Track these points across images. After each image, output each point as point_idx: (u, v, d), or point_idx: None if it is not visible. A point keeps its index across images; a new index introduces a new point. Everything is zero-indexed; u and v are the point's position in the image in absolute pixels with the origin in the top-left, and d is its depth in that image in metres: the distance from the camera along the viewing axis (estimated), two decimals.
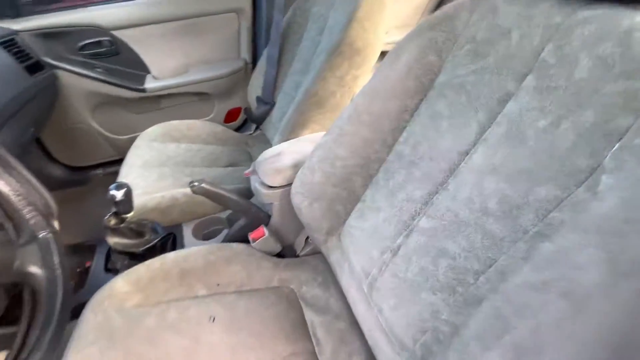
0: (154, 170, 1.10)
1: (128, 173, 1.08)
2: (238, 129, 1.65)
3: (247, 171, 0.89)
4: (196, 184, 0.72)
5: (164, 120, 1.31)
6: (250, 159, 1.33)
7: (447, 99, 0.57)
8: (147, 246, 0.84)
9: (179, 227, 0.97)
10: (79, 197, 1.47)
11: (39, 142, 1.36)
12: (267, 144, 1.35)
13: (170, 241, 0.91)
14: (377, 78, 0.66)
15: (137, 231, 0.84)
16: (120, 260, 0.84)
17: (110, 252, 0.84)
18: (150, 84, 1.37)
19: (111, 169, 1.53)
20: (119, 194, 0.76)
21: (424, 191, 0.57)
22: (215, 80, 1.47)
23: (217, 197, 0.75)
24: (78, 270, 0.92)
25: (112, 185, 0.77)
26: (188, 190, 0.98)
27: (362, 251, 0.65)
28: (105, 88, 1.31)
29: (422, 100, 0.62)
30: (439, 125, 0.57)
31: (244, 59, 1.50)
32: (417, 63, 0.62)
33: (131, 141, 1.24)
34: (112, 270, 0.85)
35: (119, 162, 1.57)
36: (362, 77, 0.94)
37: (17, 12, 1.12)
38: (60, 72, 1.24)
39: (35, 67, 1.14)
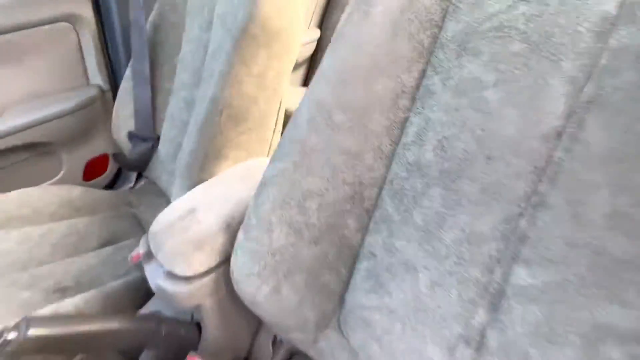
0: None
1: None
2: (110, 186, 1.17)
3: (134, 253, 0.51)
4: (11, 337, 0.32)
5: None
6: (140, 225, 0.90)
7: (483, 54, 0.34)
8: None
9: None
10: None
11: None
12: (162, 198, 0.94)
13: None
14: (340, 53, 0.40)
15: None
16: None
17: None
18: None
19: None
20: None
21: (497, 217, 0.32)
22: (56, 121, 0.98)
23: (72, 339, 0.36)
24: None
25: None
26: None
27: (399, 350, 0.36)
28: None
29: (424, 70, 0.38)
30: (481, 100, 0.34)
31: (96, 85, 1.04)
32: (405, 13, 0.38)
33: None
34: None
35: None
36: (286, 74, 0.66)
37: None
38: None
39: None
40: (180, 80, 0.84)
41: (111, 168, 1.17)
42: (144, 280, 0.65)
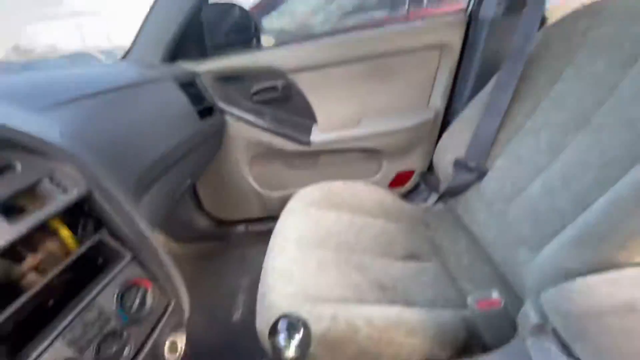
0: (312, 253, 0.78)
1: (280, 250, 0.77)
2: (406, 196, 1.25)
3: (481, 297, 0.45)
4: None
5: (321, 179, 1.02)
6: (434, 248, 0.89)
7: None
8: None
9: None
10: (216, 257, 1.29)
11: (192, 191, 1.25)
12: (461, 231, 0.89)
13: None
14: None
15: None
16: None
17: None
18: (316, 136, 1.12)
19: (255, 228, 1.33)
20: (291, 348, 0.41)
21: None
22: (393, 135, 1.13)
23: None
24: None
25: (280, 325, 0.43)
26: (370, 311, 0.59)
27: None
28: (268, 138, 1.13)
29: None
30: None
31: (434, 109, 1.12)
32: None
33: (282, 200, 0.98)
34: None
35: (264, 220, 1.42)
36: None
37: (202, 53, 1.04)
38: (229, 118, 1.11)
39: (207, 111, 1.02)
40: (547, 119, 0.73)
41: (411, 183, 1.26)
42: (468, 323, 0.62)
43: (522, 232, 0.68)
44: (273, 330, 0.43)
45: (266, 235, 0.83)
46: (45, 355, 0.38)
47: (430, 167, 1.25)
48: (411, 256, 0.86)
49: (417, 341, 0.57)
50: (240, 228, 1.33)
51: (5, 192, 0.40)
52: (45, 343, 0.39)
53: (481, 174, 0.87)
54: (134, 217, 0.52)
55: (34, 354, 0.38)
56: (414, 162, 1.22)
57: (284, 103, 1.13)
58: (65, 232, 0.48)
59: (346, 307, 0.61)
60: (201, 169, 1.06)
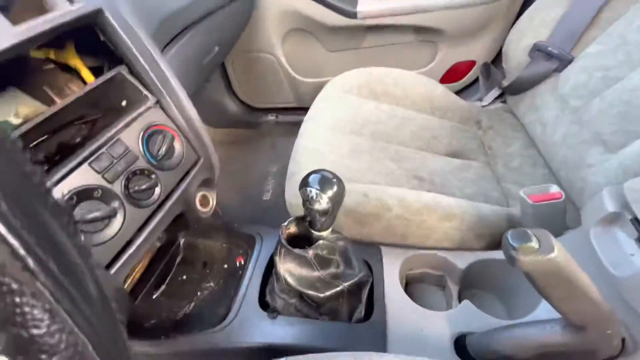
0: (345, 139, 0.72)
1: (312, 133, 0.72)
2: (459, 92, 1.10)
3: (533, 192, 0.39)
4: None
5: (362, 65, 0.90)
6: (482, 149, 0.80)
7: None
8: (335, 291, 0.47)
9: (374, 252, 0.56)
10: (245, 144, 1.28)
11: (223, 71, 1.17)
12: (518, 132, 0.78)
13: (366, 287, 0.51)
14: None
15: (323, 258, 0.46)
16: (284, 297, 0.50)
17: (274, 273, 0.50)
18: (365, 5, 0.94)
19: (286, 118, 1.27)
20: (323, 200, 0.38)
21: None
22: (461, 11, 0.92)
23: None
24: (225, 266, 0.65)
25: (313, 177, 0.40)
26: (403, 193, 0.55)
27: None
28: (306, 7, 0.96)
29: None
30: None
31: None
32: None
33: (316, 89, 0.89)
34: (268, 308, 0.52)
35: (296, 110, 1.33)
36: None
37: None
38: None
39: None
40: None
41: (468, 78, 1.09)
42: (511, 219, 0.57)
43: (601, 130, 0.57)
44: (305, 182, 0.40)
45: (297, 127, 0.77)
46: (73, 175, 0.39)
47: (496, 59, 1.06)
48: (454, 154, 0.78)
49: (451, 226, 0.54)
50: (271, 117, 1.28)
51: None
52: (70, 166, 0.39)
53: (563, 63, 0.71)
54: (156, 57, 0.47)
55: (59, 175, 0.38)
56: (477, 50, 1.03)
57: None
58: (85, 72, 0.44)
59: (378, 187, 0.58)
60: (229, 38, 0.95)
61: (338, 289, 0.48)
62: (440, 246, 0.56)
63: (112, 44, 0.44)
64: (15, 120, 0.44)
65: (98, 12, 0.42)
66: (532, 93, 0.78)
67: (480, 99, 1.00)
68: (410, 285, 0.59)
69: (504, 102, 0.93)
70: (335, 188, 0.40)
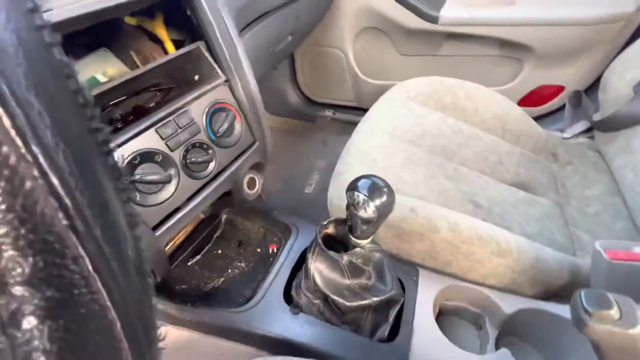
0: (400, 147, 0.68)
1: (367, 135, 0.70)
2: (537, 118, 1.00)
3: (616, 249, 0.33)
4: None
5: (434, 73, 0.85)
6: (554, 186, 0.71)
7: None
8: (362, 303, 0.45)
9: (410, 272, 0.53)
10: (298, 135, 1.29)
11: (290, 61, 1.18)
12: (596, 170, 0.69)
13: (396, 306, 0.48)
14: None
15: (356, 266, 0.44)
16: (308, 296, 0.49)
17: (304, 269, 0.49)
18: (449, 10, 0.89)
19: (342, 116, 1.25)
20: (369, 208, 0.36)
21: None
22: (558, 29, 0.83)
23: None
24: (258, 250, 0.66)
25: (363, 182, 0.38)
26: (456, 217, 0.51)
27: None
28: (386, 6, 0.93)
29: None
30: None
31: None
32: None
33: (379, 91, 0.86)
34: (292, 303, 0.52)
35: (354, 110, 1.29)
36: None
37: None
38: None
39: None
40: None
41: (552, 104, 0.98)
42: (577, 271, 0.51)
43: None
44: (353, 186, 0.38)
45: (352, 127, 0.75)
46: (140, 137, 0.41)
47: (589, 89, 0.94)
48: (521, 185, 0.71)
49: (503, 264, 0.49)
50: (328, 112, 1.27)
51: None
52: (140, 128, 0.41)
53: None
54: (234, 38, 0.49)
55: (129, 134, 0.41)
56: (568, 75, 0.92)
57: None
58: (168, 44, 0.47)
59: (429, 205, 0.54)
60: (303, 29, 0.95)
61: (365, 301, 0.45)
62: (486, 282, 0.51)
63: (196, 20, 0.46)
64: (102, 79, 0.48)
65: None
66: (628, 133, 0.67)
67: (562, 130, 0.90)
68: (442, 316, 0.55)
69: (591, 137, 0.82)
70: (384, 198, 0.38)
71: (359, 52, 1.09)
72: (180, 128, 0.44)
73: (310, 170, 1.16)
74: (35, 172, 0.10)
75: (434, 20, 0.89)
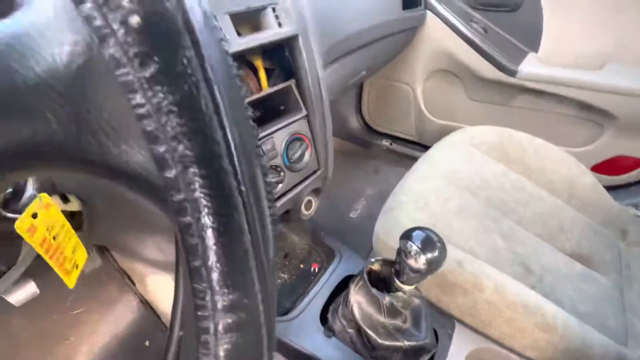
0: (456, 194, 0.69)
1: (423, 175, 0.71)
2: (610, 189, 0.94)
3: None
4: None
5: (503, 124, 0.84)
6: (618, 265, 0.67)
7: None
8: (394, 344, 0.47)
9: (446, 324, 0.54)
10: (351, 159, 1.32)
11: (358, 90, 1.24)
12: None
13: (426, 356, 0.49)
14: None
15: (395, 308, 0.47)
16: (343, 323, 0.52)
17: (344, 296, 0.53)
18: (529, 66, 0.88)
19: (399, 148, 1.26)
20: (420, 260, 0.39)
21: None
22: (627, 97, 0.79)
23: None
24: (301, 266, 0.70)
25: (417, 233, 0.41)
26: (503, 279, 0.50)
27: None
28: (464, 54, 0.94)
29: None
30: None
31: None
32: None
33: (442, 131, 0.86)
34: (327, 326, 0.55)
35: (412, 144, 1.29)
36: None
37: None
38: (430, 16, 0.96)
39: (412, 1, 0.89)
40: None
41: (629, 176, 0.92)
42: None
43: None
44: (407, 235, 0.41)
45: (407, 160, 0.78)
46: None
47: None
48: (580, 258, 0.67)
49: (545, 339, 0.48)
50: (385, 142, 1.30)
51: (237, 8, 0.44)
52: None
53: None
54: (320, 77, 0.54)
55: None
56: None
57: (510, 13, 0.89)
58: (262, 74, 0.54)
59: (477, 261, 0.54)
60: (377, 66, 1.00)
61: (398, 343, 0.47)
62: (524, 353, 0.50)
63: (292, 60, 0.53)
64: None
65: (294, 36, 0.50)
66: None
67: (637, 206, 0.83)
68: None
69: None
70: (436, 253, 0.40)
71: (427, 90, 1.11)
72: (264, 153, 0.50)
73: (359, 195, 1.19)
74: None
75: (511, 73, 0.88)
